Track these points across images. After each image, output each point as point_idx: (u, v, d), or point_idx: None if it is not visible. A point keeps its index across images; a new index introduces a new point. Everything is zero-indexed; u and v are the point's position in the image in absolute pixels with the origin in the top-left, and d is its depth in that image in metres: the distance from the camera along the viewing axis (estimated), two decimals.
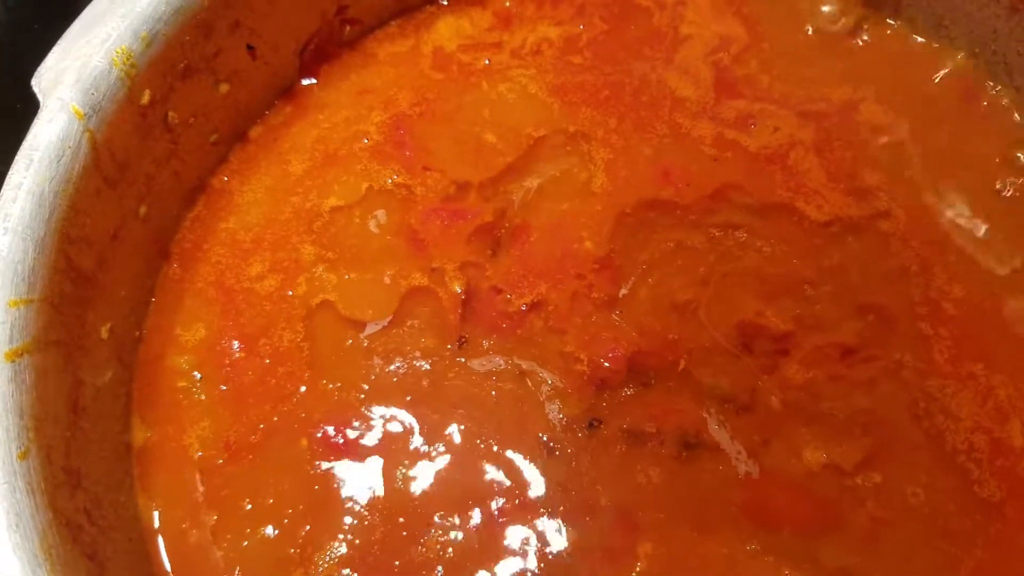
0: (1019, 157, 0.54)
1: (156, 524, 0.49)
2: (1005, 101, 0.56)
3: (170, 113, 0.52)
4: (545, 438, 0.49)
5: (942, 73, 0.57)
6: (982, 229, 0.52)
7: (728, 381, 0.50)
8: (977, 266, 0.51)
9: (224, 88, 0.56)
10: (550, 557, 0.47)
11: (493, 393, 0.51)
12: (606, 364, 0.51)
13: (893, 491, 0.46)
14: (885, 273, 0.51)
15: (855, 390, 0.49)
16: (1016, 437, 0.47)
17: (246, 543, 0.48)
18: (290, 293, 0.53)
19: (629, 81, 0.59)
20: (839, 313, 0.51)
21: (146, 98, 0.50)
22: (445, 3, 0.63)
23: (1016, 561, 0.44)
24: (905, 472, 0.47)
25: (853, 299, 0.51)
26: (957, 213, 0.52)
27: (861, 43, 0.58)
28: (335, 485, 0.49)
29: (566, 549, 0.47)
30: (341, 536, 0.48)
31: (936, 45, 0.58)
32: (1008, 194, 0.53)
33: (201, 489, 0.49)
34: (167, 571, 0.48)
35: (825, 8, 0.59)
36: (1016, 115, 0.55)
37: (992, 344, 0.49)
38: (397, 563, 0.47)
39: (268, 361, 0.52)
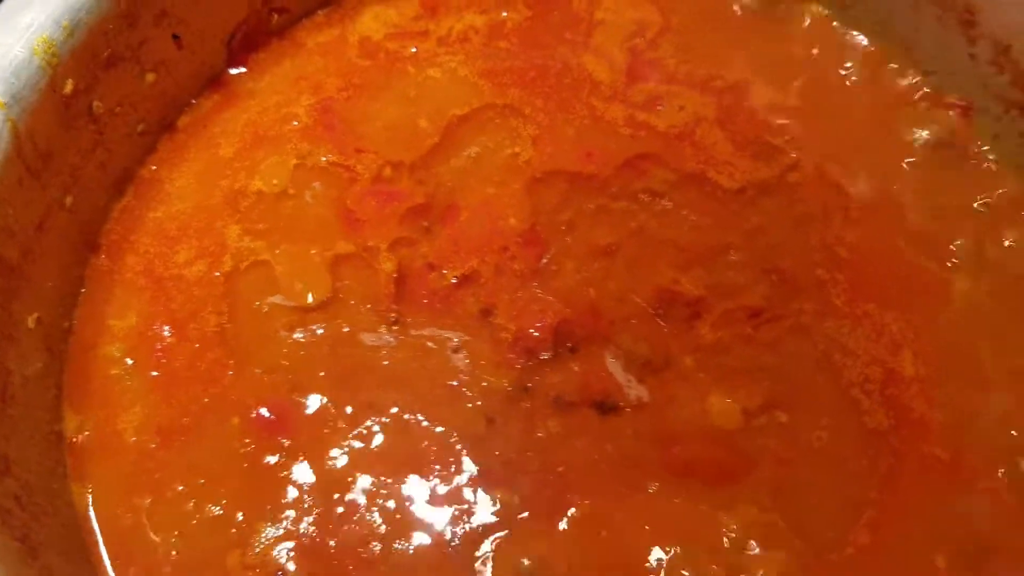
0: (917, 130, 0.57)
1: (90, 510, 0.49)
2: (906, 79, 0.59)
3: (95, 103, 0.53)
4: (476, 408, 0.51)
5: (843, 50, 0.60)
6: (882, 182, 0.56)
7: (646, 345, 0.52)
8: (872, 213, 0.55)
9: (151, 78, 0.56)
10: (484, 523, 0.48)
11: (425, 368, 0.52)
12: (534, 334, 0.53)
13: (799, 433, 0.49)
14: (794, 222, 0.55)
15: (762, 346, 0.52)
16: (907, 366, 0.51)
17: (181, 525, 0.49)
18: (217, 274, 0.54)
19: (553, 64, 0.61)
20: (748, 277, 0.53)
21: (69, 87, 0.50)
22: None
23: (907, 502, 0.48)
24: (808, 414, 0.50)
25: (762, 263, 0.54)
26: (859, 176, 0.55)
27: (770, 24, 0.61)
28: (269, 465, 0.50)
29: (499, 513, 0.48)
30: (277, 515, 0.49)
31: (842, 25, 0.61)
32: (911, 160, 0.56)
33: (135, 474, 0.50)
34: (103, 555, 0.48)
35: None
36: (913, 85, 0.59)
37: (884, 283, 0.53)
38: (332, 542, 0.48)
39: (197, 345, 0.52)
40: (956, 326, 0.52)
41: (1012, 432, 0.50)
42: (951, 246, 0.54)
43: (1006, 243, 0.55)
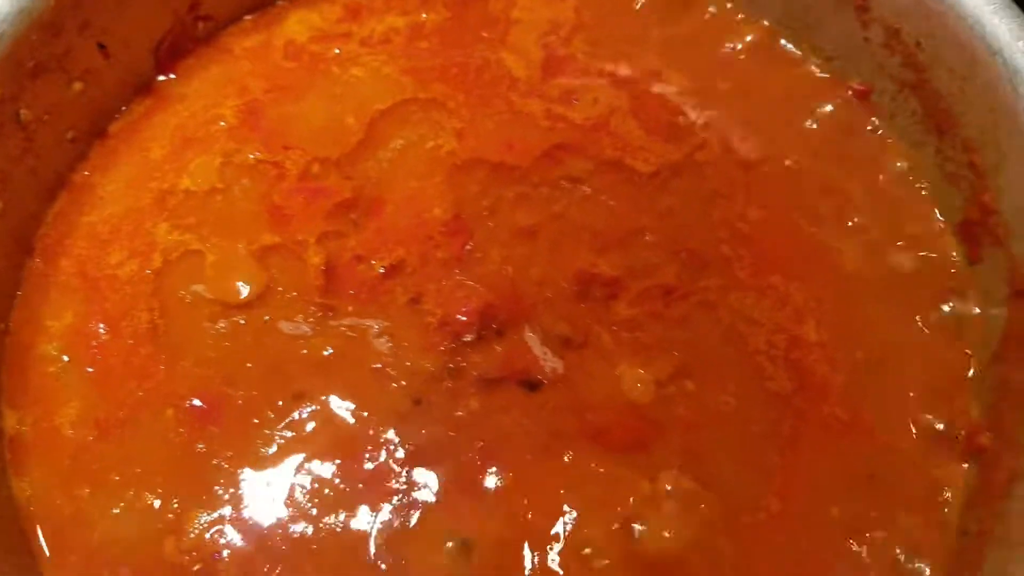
0: (818, 111, 0.62)
1: (30, 503, 0.52)
2: (808, 63, 0.64)
3: (22, 111, 0.55)
4: (403, 390, 0.54)
5: (747, 38, 0.64)
6: (783, 161, 0.60)
7: (567, 324, 0.56)
8: (773, 190, 0.59)
9: (78, 86, 0.59)
10: (414, 498, 0.51)
11: (354, 355, 0.55)
12: (461, 318, 0.56)
13: (706, 399, 0.53)
14: (701, 202, 0.59)
15: (673, 322, 0.56)
16: (811, 333, 0.55)
17: (118, 513, 0.51)
18: (148, 272, 0.57)
19: (472, 62, 0.65)
20: (661, 257, 0.57)
21: None
22: None
23: (810, 461, 0.52)
24: (716, 381, 0.54)
25: (673, 243, 0.57)
26: (762, 155, 0.60)
27: (677, 15, 0.65)
28: (202, 453, 0.52)
29: (427, 488, 0.51)
30: (211, 501, 0.51)
31: (747, 14, 0.65)
32: (812, 140, 0.61)
33: (73, 466, 0.52)
34: (43, 545, 0.50)
35: None
36: (815, 68, 0.64)
37: (787, 257, 0.57)
38: (266, 524, 0.51)
39: (131, 341, 0.55)
40: (856, 293, 0.56)
41: (910, 393, 0.54)
42: (849, 220, 0.58)
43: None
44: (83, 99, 0.60)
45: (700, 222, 0.58)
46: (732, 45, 0.64)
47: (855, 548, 0.50)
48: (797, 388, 0.53)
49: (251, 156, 0.61)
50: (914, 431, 0.53)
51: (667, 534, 0.50)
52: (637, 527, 0.50)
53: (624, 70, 0.63)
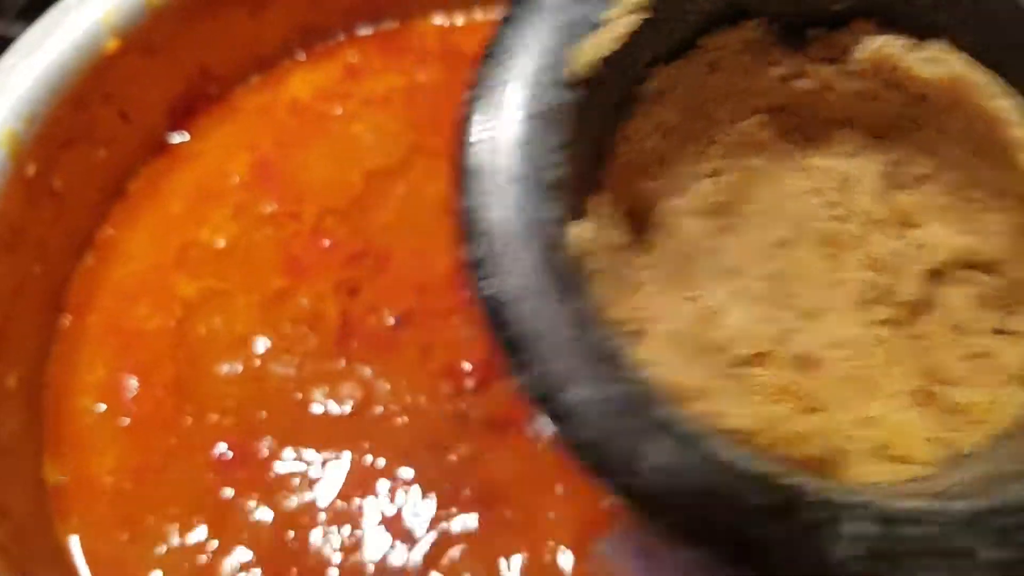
0: None
1: (76, 548, 0.60)
2: None
3: (55, 180, 0.63)
4: (417, 437, 0.62)
5: None
6: None
7: None
8: None
9: (102, 152, 0.68)
10: (432, 541, 0.59)
11: (366, 403, 0.64)
12: (466, 366, 0.64)
13: None
14: None
15: None
16: None
17: (158, 556, 0.60)
18: (171, 324, 0.66)
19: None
20: None
21: (32, 170, 0.61)
22: (302, 59, 0.75)
23: None
24: None
25: None
26: None
27: None
28: (231, 499, 0.61)
29: (445, 530, 0.59)
30: (242, 543, 0.60)
31: None
32: None
33: (112, 511, 0.61)
34: None
35: None
36: None
37: None
38: (295, 569, 0.59)
39: (161, 392, 0.64)
40: None
41: None
42: None
43: None
44: (107, 163, 0.68)
45: None
46: None
47: None
48: None
49: (265, 210, 0.69)
50: None
51: None
52: None
53: None
